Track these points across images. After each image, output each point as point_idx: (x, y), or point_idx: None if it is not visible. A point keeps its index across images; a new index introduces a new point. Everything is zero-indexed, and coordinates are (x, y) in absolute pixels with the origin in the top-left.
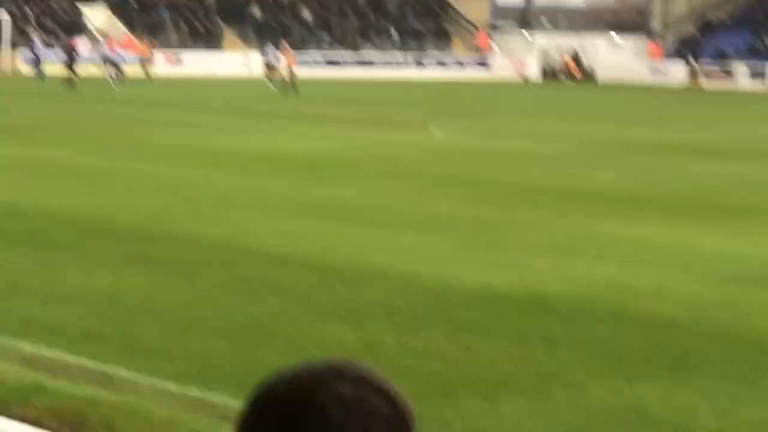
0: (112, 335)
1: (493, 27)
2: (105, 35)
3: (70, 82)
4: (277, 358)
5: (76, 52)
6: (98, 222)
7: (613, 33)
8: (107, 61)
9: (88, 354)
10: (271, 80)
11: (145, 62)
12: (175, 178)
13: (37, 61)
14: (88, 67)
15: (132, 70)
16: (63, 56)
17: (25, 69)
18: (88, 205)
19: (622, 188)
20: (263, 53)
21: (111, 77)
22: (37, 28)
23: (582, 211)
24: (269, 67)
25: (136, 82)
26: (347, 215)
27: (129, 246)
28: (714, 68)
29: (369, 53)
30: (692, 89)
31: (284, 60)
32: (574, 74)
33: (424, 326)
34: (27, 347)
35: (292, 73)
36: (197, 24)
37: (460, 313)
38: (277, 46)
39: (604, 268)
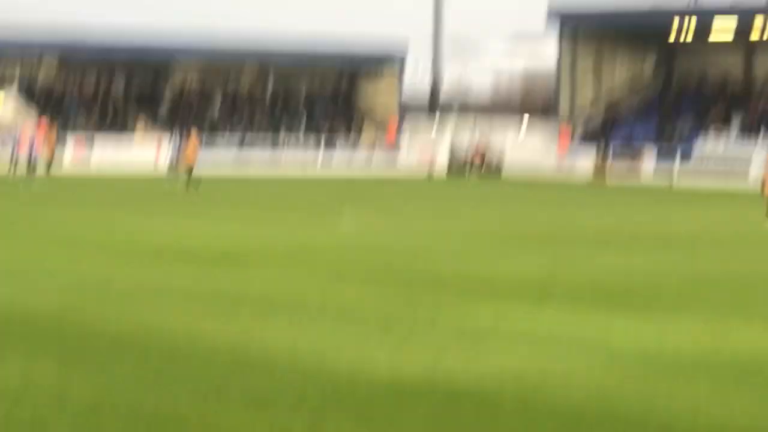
0: (20, 427)
1: (403, 120)
2: (16, 130)
3: None
4: None
5: None
6: (8, 313)
7: (521, 127)
8: (16, 158)
9: None
10: (177, 176)
11: (50, 159)
12: (83, 271)
13: None
14: None
15: (40, 167)
16: None
17: None
18: None
19: (529, 280)
20: (171, 149)
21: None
22: None
23: (489, 302)
24: (174, 163)
25: (43, 179)
26: (257, 305)
27: (38, 338)
28: (621, 163)
29: (279, 149)
30: (598, 184)
31: (189, 156)
32: (481, 168)
33: (334, 416)
34: None
35: (194, 169)
36: (107, 118)
37: (370, 404)
38: (182, 142)
39: (512, 358)
